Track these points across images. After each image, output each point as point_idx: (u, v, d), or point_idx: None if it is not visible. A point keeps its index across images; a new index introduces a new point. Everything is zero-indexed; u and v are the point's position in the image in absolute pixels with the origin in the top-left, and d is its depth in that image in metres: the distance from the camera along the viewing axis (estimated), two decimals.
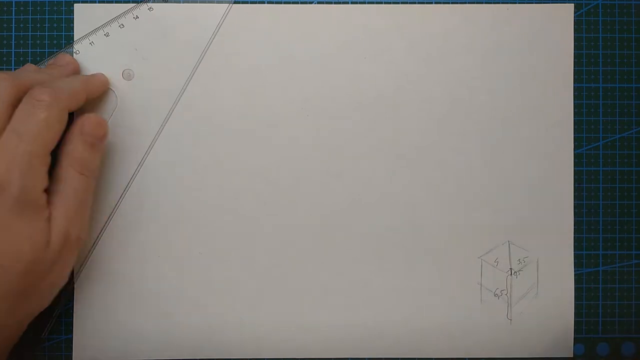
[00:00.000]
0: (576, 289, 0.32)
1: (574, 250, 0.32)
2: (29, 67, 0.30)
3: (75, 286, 0.32)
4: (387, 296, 0.32)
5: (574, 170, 0.33)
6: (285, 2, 0.32)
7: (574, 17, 0.33)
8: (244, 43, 0.32)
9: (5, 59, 0.32)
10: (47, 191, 0.27)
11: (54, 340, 0.32)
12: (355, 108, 0.32)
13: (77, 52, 0.32)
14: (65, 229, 0.27)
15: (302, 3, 0.32)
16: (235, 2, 0.32)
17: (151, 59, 0.32)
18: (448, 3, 0.32)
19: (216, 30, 0.32)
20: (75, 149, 0.28)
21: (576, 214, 0.32)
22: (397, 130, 0.32)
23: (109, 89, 0.32)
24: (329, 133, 0.32)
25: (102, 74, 0.31)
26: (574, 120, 0.33)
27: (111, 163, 0.32)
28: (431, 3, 0.32)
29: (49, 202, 0.27)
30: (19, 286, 0.26)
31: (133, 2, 0.32)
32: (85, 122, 0.29)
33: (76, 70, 0.31)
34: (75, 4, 0.32)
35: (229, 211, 0.32)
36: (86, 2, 0.32)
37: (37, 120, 0.26)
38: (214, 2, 0.32)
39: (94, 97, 0.31)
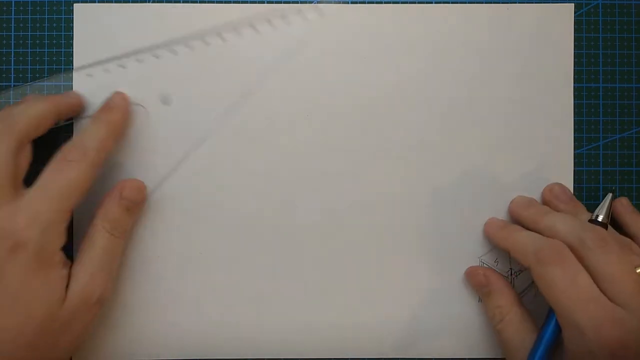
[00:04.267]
0: None
1: None
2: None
3: None
4: (387, 296, 0.32)
5: (574, 170, 0.33)
6: (285, 2, 0.32)
7: (574, 17, 0.33)
8: (244, 43, 0.32)
9: (5, 58, 0.32)
10: (74, 249, 0.28)
11: None
12: (355, 108, 0.32)
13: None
14: (85, 287, 0.27)
15: (302, 3, 0.32)
16: (235, 2, 0.32)
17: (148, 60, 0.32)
18: (448, 3, 0.32)
19: (215, 30, 0.32)
20: (110, 210, 0.29)
21: None
22: (397, 130, 0.32)
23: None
24: (329, 133, 0.32)
25: (121, 103, 0.31)
26: (574, 120, 0.33)
27: (113, 166, 0.32)
28: (431, 3, 0.32)
29: (74, 260, 0.28)
30: (33, 342, 0.26)
31: (133, 2, 0.32)
32: (126, 186, 0.30)
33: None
34: (75, 4, 0.32)
35: (229, 211, 0.32)
36: (86, 2, 0.32)
37: (67, 179, 0.26)
38: (214, 2, 0.32)
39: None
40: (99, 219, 0.29)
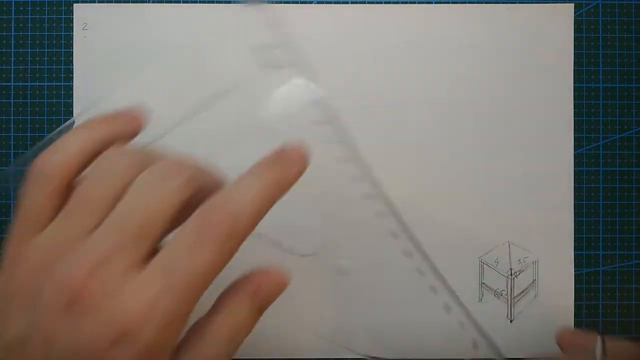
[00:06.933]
0: (576, 289, 0.32)
1: (574, 250, 0.32)
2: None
3: None
4: (387, 296, 0.32)
5: (574, 170, 0.33)
6: (285, 2, 0.32)
7: (574, 17, 0.33)
8: (245, 42, 0.32)
9: (5, 58, 0.32)
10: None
11: None
12: (355, 108, 0.32)
13: None
14: None
15: (302, 3, 0.32)
16: (235, 2, 0.32)
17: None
18: (448, 3, 0.32)
19: (215, 31, 0.32)
20: (235, 313, 0.21)
21: (576, 214, 0.32)
22: (397, 130, 0.32)
23: None
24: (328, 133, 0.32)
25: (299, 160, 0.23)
26: (574, 120, 0.33)
27: None
28: (431, 3, 0.32)
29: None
30: None
31: (133, 2, 0.32)
32: (264, 282, 0.22)
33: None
34: (75, 4, 0.32)
35: None
36: (86, 2, 0.32)
37: (202, 261, 0.19)
38: (214, 2, 0.32)
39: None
40: (215, 316, 0.21)
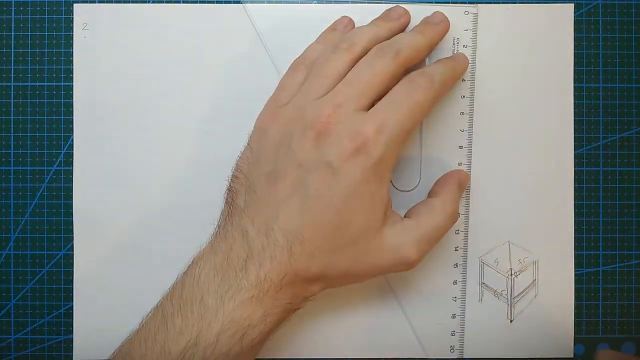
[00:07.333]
0: (576, 289, 0.32)
1: (574, 250, 0.32)
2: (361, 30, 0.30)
3: (75, 286, 0.32)
4: (387, 296, 0.32)
5: (574, 170, 0.33)
6: (285, 2, 0.32)
7: (574, 17, 0.33)
8: (243, 42, 0.32)
9: (5, 58, 0.32)
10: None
11: (53, 341, 0.32)
12: None
13: None
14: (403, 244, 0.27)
15: (302, 3, 0.32)
16: (235, 2, 0.32)
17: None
18: (448, 3, 0.32)
19: (214, 31, 0.32)
20: (449, 193, 0.29)
21: (576, 214, 0.32)
22: None
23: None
24: None
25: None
26: (574, 120, 0.33)
27: (114, 166, 0.32)
28: (431, 3, 0.32)
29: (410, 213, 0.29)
30: (322, 244, 0.26)
31: (133, 2, 0.32)
32: (464, 175, 0.31)
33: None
34: (75, 4, 0.32)
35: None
36: (86, 2, 0.32)
37: (415, 101, 0.27)
38: (214, 2, 0.32)
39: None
40: (448, 183, 0.30)
